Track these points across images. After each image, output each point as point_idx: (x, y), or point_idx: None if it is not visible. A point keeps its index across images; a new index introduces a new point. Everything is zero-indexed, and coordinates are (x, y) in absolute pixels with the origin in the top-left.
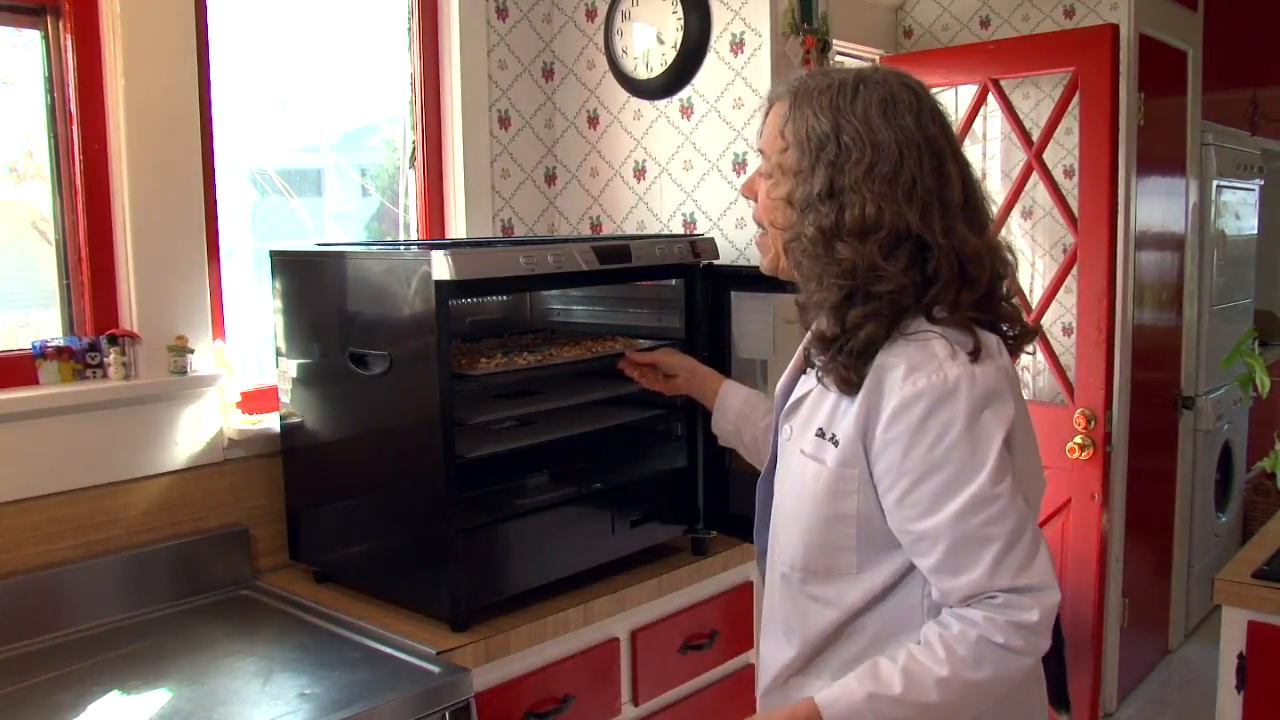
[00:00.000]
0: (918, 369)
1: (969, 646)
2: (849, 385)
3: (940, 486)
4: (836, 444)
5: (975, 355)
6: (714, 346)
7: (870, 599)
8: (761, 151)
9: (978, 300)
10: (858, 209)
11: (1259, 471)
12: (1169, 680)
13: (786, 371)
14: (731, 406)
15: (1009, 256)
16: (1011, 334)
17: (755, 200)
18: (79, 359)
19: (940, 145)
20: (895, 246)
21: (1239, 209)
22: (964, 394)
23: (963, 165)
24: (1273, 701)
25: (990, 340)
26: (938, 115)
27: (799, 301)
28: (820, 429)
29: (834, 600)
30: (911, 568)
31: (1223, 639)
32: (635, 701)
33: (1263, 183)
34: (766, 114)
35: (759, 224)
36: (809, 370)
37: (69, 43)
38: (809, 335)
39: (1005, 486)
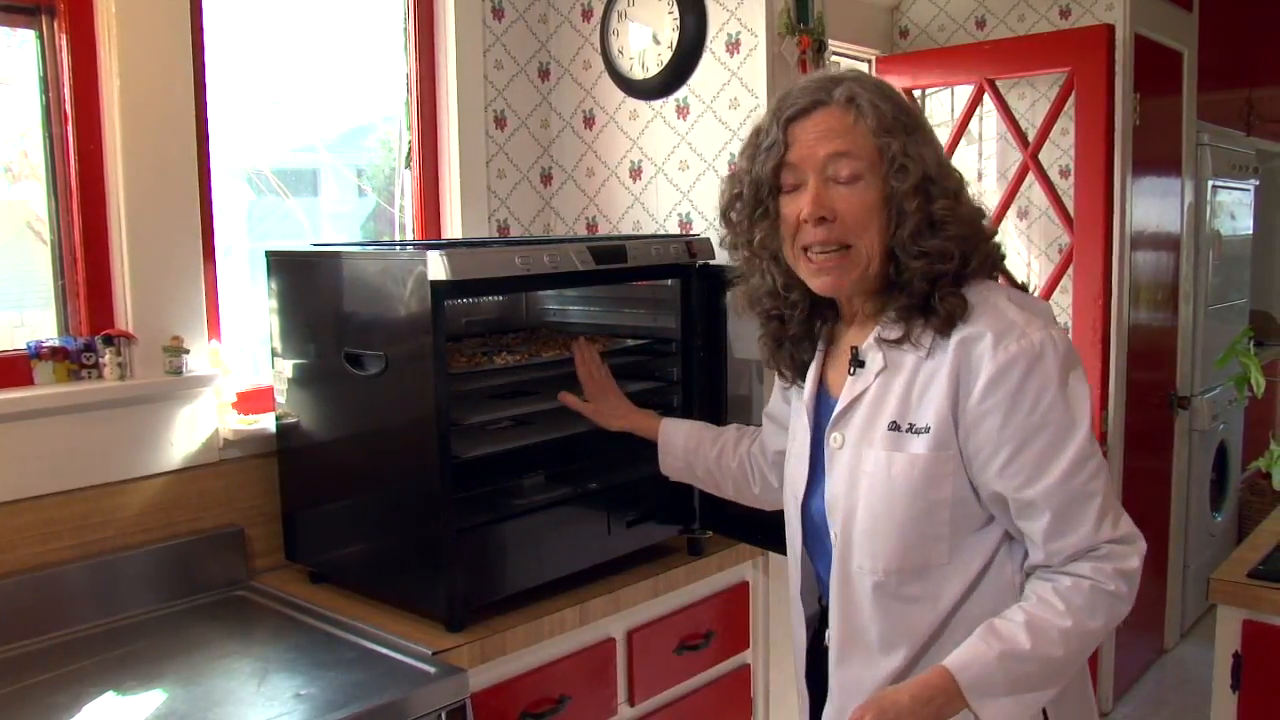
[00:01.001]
0: (1004, 335)
1: (1084, 596)
2: (953, 316)
3: (1043, 449)
4: (923, 431)
5: (1043, 319)
6: (710, 347)
7: (968, 586)
8: (844, 154)
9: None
10: (948, 170)
11: (1254, 471)
12: (1164, 680)
13: (808, 386)
14: (676, 444)
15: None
16: None
17: (831, 218)
18: (74, 359)
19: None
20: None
21: (1234, 209)
22: (1051, 356)
23: None
24: (1267, 701)
25: (1046, 302)
26: None
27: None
28: (894, 422)
29: (933, 595)
30: (998, 547)
31: (1218, 638)
32: (631, 702)
33: (1258, 183)
34: (782, 133)
35: (835, 245)
36: (857, 370)
37: (64, 42)
38: (818, 355)
39: (1095, 443)
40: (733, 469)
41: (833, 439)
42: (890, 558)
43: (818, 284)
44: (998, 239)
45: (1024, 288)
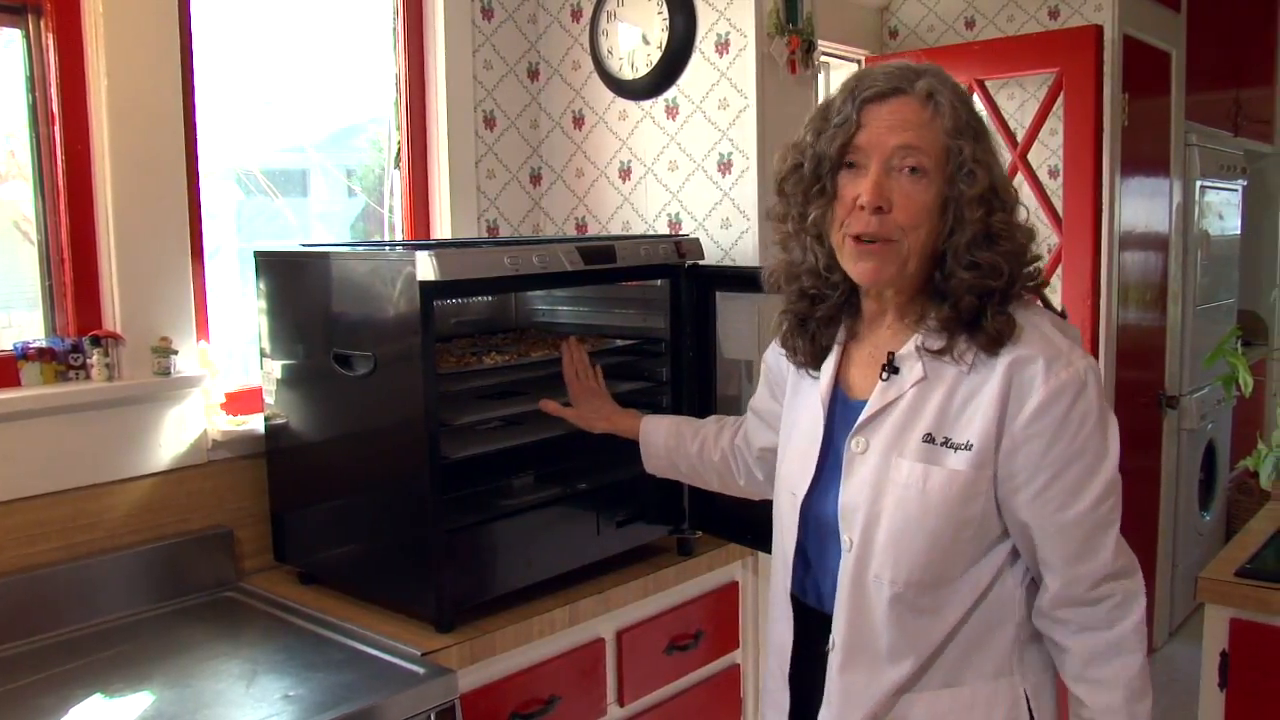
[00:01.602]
0: (1054, 361)
1: (1129, 686)
2: (1002, 336)
3: (1078, 477)
4: (963, 448)
5: (1080, 347)
6: (699, 347)
7: (975, 600)
8: (914, 148)
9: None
10: (1008, 185)
11: (1242, 470)
12: (1153, 678)
13: (823, 385)
14: (657, 442)
15: None
16: None
17: (886, 209)
18: (62, 360)
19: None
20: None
21: (1222, 209)
22: (1093, 386)
23: None
24: (1254, 699)
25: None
26: None
27: (947, 315)
28: (929, 434)
29: (943, 608)
30: (1005, 563)
31: (1205, 637)
32: (621, 702)
33: (1245, 183)
34: (856, 113)
35: (877, 238)
36: (890, 377)
37: (50, 42)
38: (835, 354)
39: (1119, 473)
40: (715, 462)
41: (855, 443)
42: (913, 570)
43: (858, 269)
44: (1040, 263)
45: (1062, 313)
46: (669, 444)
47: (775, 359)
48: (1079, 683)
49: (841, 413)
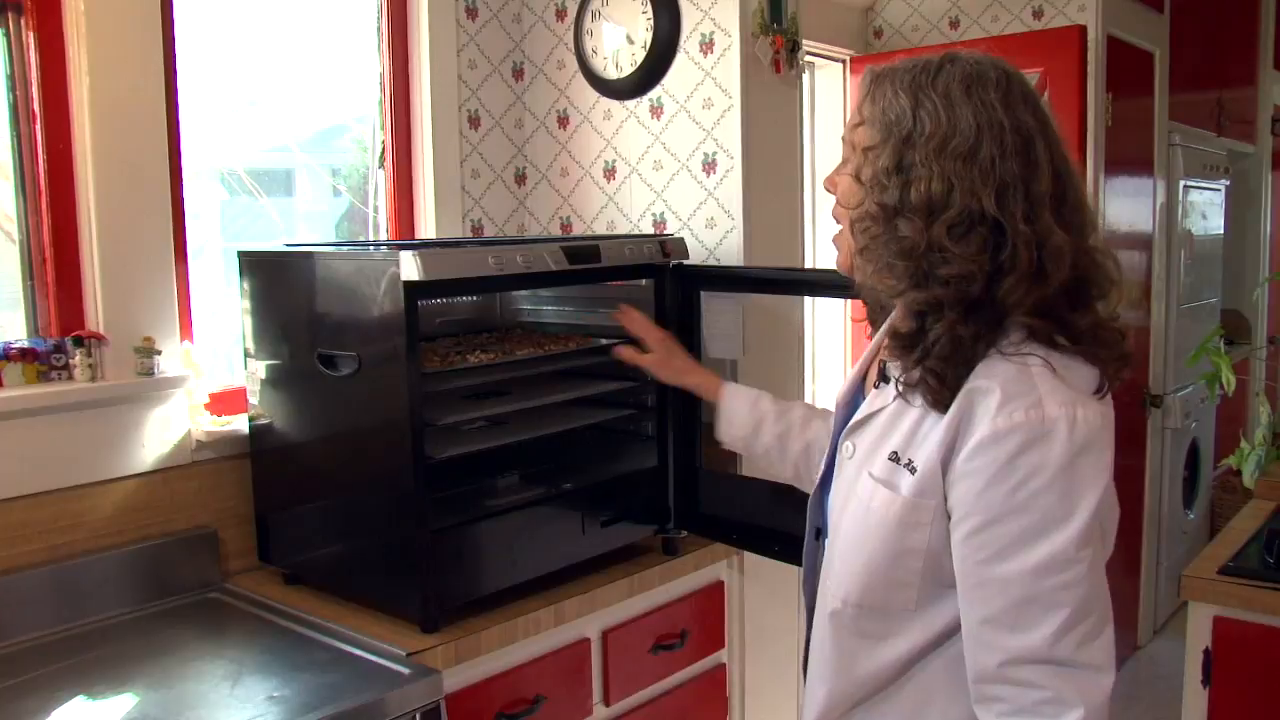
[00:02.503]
0: (1014, 399)
1: None
2: (939, 402)
3: (1017, 534)
4: (914, 471)
5: (1081, 392)
6: (684, 346)
7: (930, 641)
8: (845, 136)
9: (1078, 319)
10: (924, 185)
11: (1225, 469)
12: (1138, 676)
13: (847, 381)
14: (739, 412)
15: (1113, 272)
16: (1112, 363)
17: (832, 193)
18: (44, 361)
19: (1029, 130)
20: (967, 230)
21: (1205, 209)
22: (1061, 438)
23: (1059, 158)
24: (1237, 696)
25: (1093, 374)
26: (1031, 99)
27: (868, 301)
28: (895, 452)
29: (887, 637)
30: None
31: (1189, 635)
32: (607, 702)
33: (1229, 183)
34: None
35: (836, 219)
36: (881, 385)
37: (31, 40)
38: (872, 345)
39: (1089, 552)
40: (796, 452)
41: (845, 447)
42: (851, 590)
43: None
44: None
45: (1110, 377)
46: (754, 418)
47: None
48: None
49: (853, 414)
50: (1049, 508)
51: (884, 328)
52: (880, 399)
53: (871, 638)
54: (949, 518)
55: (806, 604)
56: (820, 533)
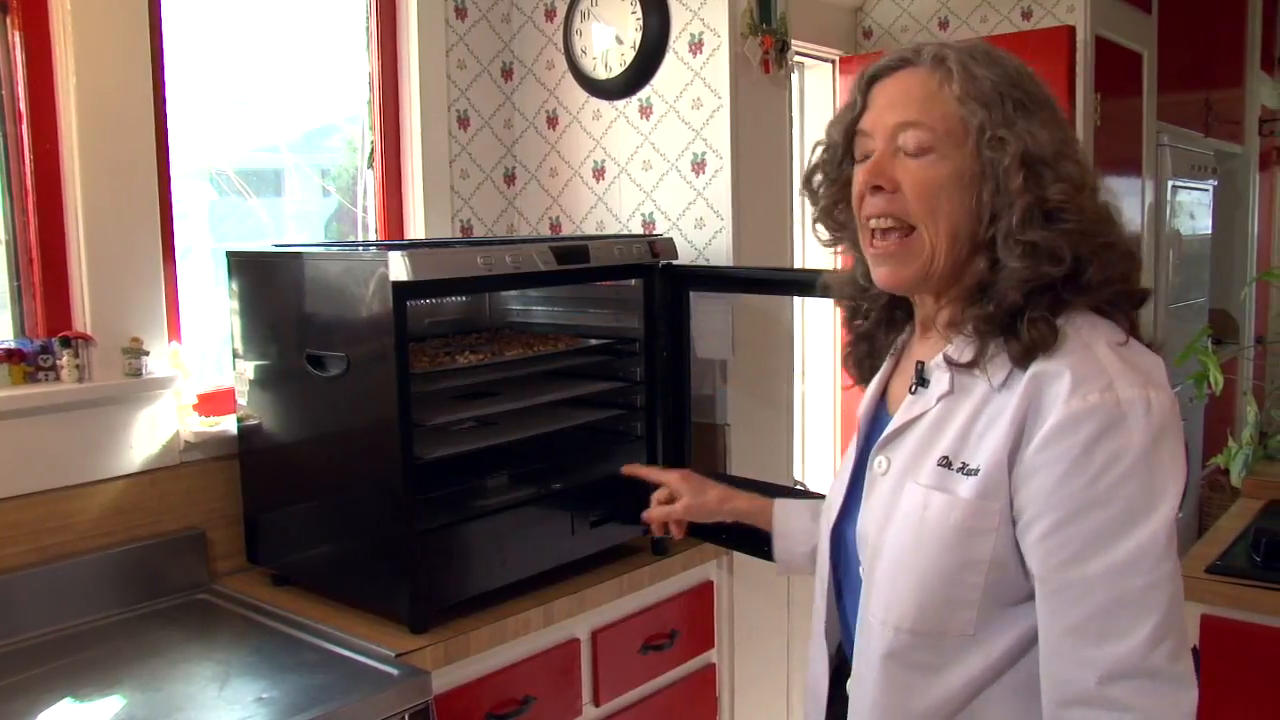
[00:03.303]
0: (1086, 381)
1: None
2: (1036, 346)
3: (1100, 527)
4: (974, 473)
5: (1151, 375)
6: (673, 347)
7: (991, 668)
8: (914, 124)
9: (1132, 313)
10: (1074, 160)
11: (1213, 468)
12: None
13: (868, 395)
14: (796, 528)
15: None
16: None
17: (891, 190)
18: (31, 361)
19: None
20: (1092, 195)
21: (1194, 209)
22: (1138, 420)
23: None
24: (1225, 694)
25: (1158, 362)
26: None
27: (852, 301)
28: (945, 457)
29: (943, 668)
30: (1032, 641)
31: None
32: (596, 702)
33: (1217, 183)
34: (861, 95)
35: (895, 223)
36: (918, 390)
37: (17, 39)
38: (892, 355)
39: (1173, 549)
40: None
41: (877, 462)
42: (905, 613)
43: (878, 274)
44: (1139, 273)
45: (1152, 344)
46: (808, 528)
47: None
48: None
49: (879, 431)
50: (1132, 498)
51: (911, 329)
52: (920, 404)
53: (927, 670)
54: (1014, 524)
55: (829, 652)
56: (837, 568)
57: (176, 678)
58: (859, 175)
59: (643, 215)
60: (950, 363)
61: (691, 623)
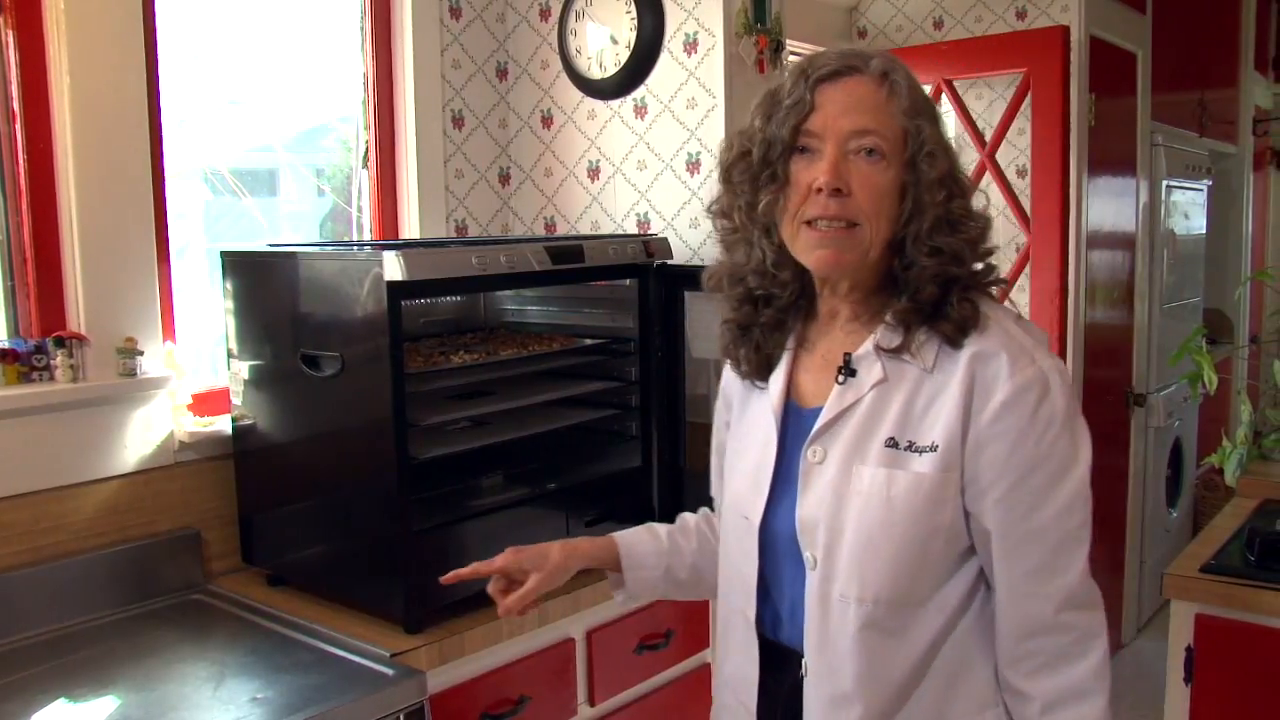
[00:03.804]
0: (1018, 358)
1: (1099, 687)
2: (967, 324)
3: (1044, 481)
4: (928, 450)
5: (1046, 345)
6: (668, 346)
7: (946, 626)
8: (869, 132)
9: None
10: (949, 161)
11: (1208, 467)
12: (1122, 674)
13: (775, 392)
14: (643, 552)
15: None
16: None
17: (845, 192)
18: (25, 361)
19: None
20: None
21: (1188, 209)
22: (1058, 387)
23: None
24: (1219, 693)
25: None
26: None
27: (910, 308)
28: (892, 439)
29: (908, 630)
30: (974, 589)
31: (1171, 632)
32: (591, 702)
33: (1211, 183)
34: (809, 94)
35: (844, 221)
36: (847, 380)
37: (11, 39)
38: (788, 353)
39: (1090, 488)
40: (714, 548)
41: (811, 452)
42: (882, 585)
43: (816, 257)
44: (996, 257)
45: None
46: (658, 549)
47: (728, 381)
48: None
49: (794, 424)
50: (1064, 451)
51: (802, 327)
52: (851, 393)
53: (899, 633)
54: (963, 490)
55: (762, 641)
56: (766, 562)
57: (171, 678)
58: (810, 173)
59: (637, 215)
60: (881, 350)
61: (686, 622)
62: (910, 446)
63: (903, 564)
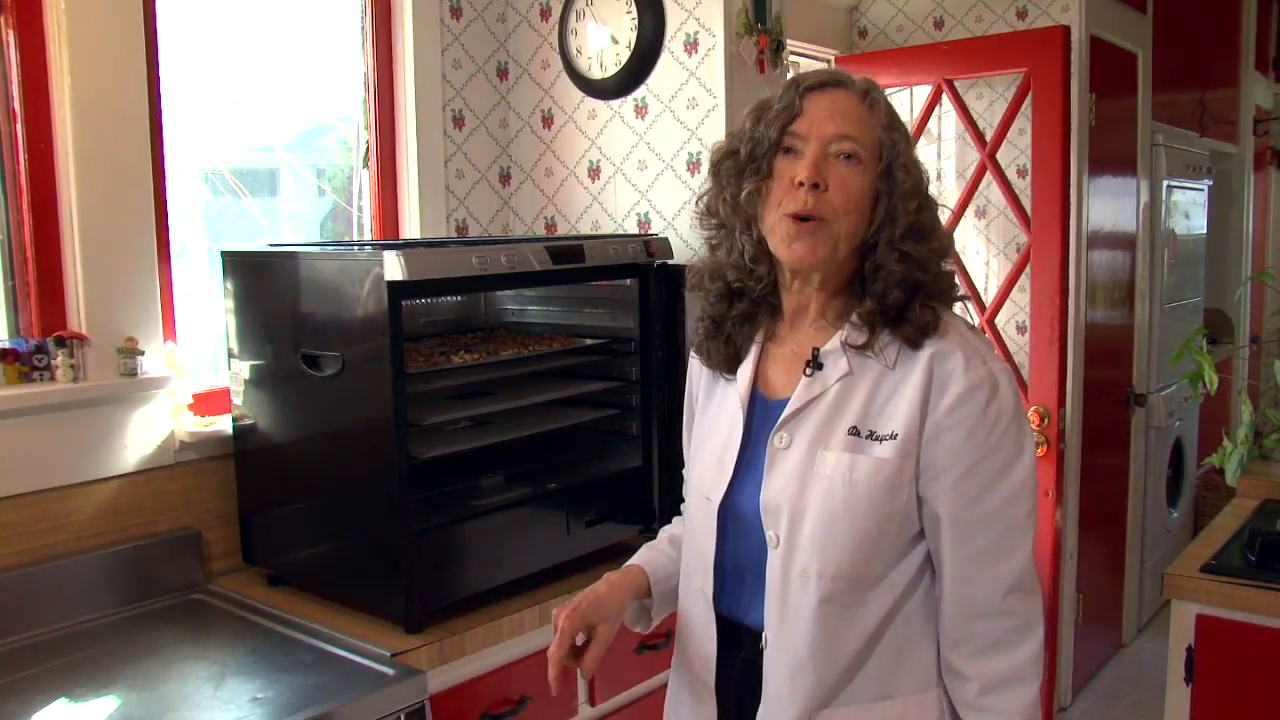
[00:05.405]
0: (971, 358)
1: (1033, 673)
2: (926, 330)
3: (994, 470)
4: (888, 438)
5: (993, 351)
6: (668, 346)
7: (895, 605)
8: (849, 138)
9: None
10: (922, 175)
11: (1209, 467)
12: (1122, 674)
13: (743, 383)
14: (666, 563)
15: None
16: None
17: (823, 188)
18: (25, 361)
19: None
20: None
21: (1188, 209)
22: (1006, 388)
23: None
24: (1219, 693)
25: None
26: None
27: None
28: (854, 427)
29: (865, 604)
30: (920, 572)
31: (1172, 632)
32: (592, 702)
33: (1211, 183)
34: (798, 100)
35: (812, 216)
36: (813, 373)
37: (12, 39)
38: (755, 350)
39: (1035, 484)
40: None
41: (778, 438)
42: (841, 563)
43: (792, 249)
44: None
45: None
46: (672, 558)
47: (694, 371)
48: (972, 710)
49: (760, 414)
50: (1011, 444)
51: (771, 323)
52: (818, 385)
53: (853, 607)
54: (917, 477)
55: (720, 619)
56: (725, 541)
57: (171, 678)
58: (792, 169)
59: (638, 215)
60: (848, 346)
61: None
62: (871, 435)
63: (861, 542)
